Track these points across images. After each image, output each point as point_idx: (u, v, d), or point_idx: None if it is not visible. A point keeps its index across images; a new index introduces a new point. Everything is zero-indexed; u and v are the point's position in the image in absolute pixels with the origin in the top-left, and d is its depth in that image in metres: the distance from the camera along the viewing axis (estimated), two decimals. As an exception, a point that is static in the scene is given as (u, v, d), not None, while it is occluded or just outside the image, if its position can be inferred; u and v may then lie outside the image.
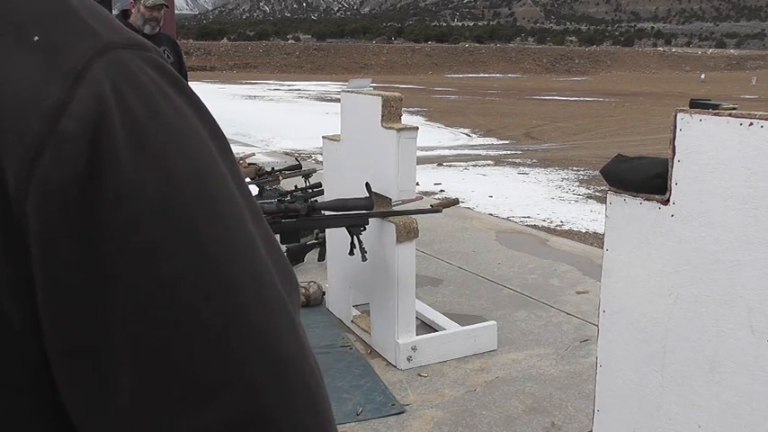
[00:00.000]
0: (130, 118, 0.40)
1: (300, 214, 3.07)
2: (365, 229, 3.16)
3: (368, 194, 3.17)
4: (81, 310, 0.38)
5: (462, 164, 12.12)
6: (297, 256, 4.39)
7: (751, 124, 1.44)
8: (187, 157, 0.41)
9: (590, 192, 9.57)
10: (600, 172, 1.96)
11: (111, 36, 0.42)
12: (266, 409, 0.42)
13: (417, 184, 3.73)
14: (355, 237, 3.14)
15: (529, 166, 12.00)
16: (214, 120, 0.46)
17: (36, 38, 0.40)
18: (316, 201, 3.36)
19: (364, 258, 3.13)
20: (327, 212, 3.18)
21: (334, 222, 3.18)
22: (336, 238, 3.61)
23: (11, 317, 0.38)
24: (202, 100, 0.47)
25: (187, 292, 0.40)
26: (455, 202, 4.00)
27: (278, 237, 3.07)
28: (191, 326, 0.40)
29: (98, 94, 0.39)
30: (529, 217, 7.93)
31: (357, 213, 3.16)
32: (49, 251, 0.38)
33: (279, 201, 3.15)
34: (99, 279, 0.38)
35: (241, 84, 43.07)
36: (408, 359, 3.16)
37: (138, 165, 0.39)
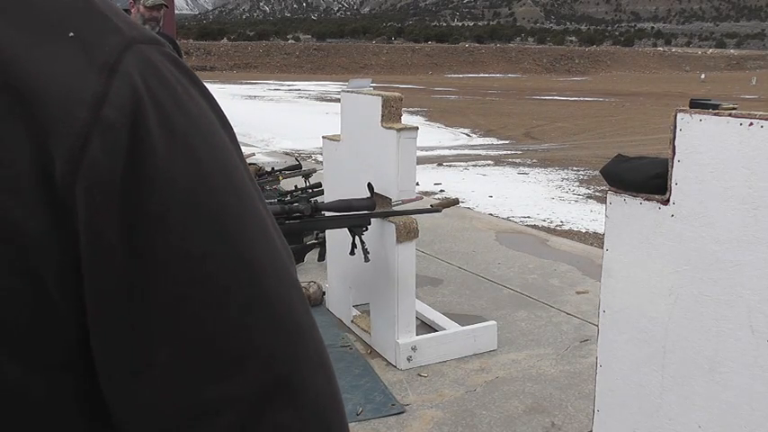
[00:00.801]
0: (160, 109, 0.42)
1: (304, 215, 3.08)
2: (367, 229, 3.16)
3: (369, 195, 3.17)
4: (124, 290, 0.41)
5: (462, 164, 12.12)
6: (297, 256, 4.39)
7: (751, 124, 1.45)
8: (209, 145, 0.44)
9: (590, 192, 9.57)
10: (600, 172, 1.96)
11: (132, 32, 0.44)
12: (287, 376, 0.45)
13: (417, 184, 3.73)
14: (357, 237, 3.14)
15: (529, 166, 12.00)
16: (223, 111, 0.49)
17: (71, 34, 0.42)
18: (317, 201, 3.36)
19: (367, 259, 3.13)
20: (329, 213, 3.18)
21: (337, 223, 3.18)
22: (336, 238, 3.61)
23: (55, 298, 0.40)
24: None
25: (215, 270, 0.43)
26: (455, 202, 3.99)
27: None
28: (219, 301, 0.43)
29: (132, 85, 0.41)
30: (529, 217, 7.93)
31: (359, 214, 3.16)
32: (97, 235, 0.40)
33: (281, 202, 3.15)
34: (139, 260, 0.41)
35: (241, 84, 43.07)
36: (408, 359, 3.16)
37: (170, 153, 0.42)
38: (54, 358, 0.41)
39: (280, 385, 0.44)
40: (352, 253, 3.17)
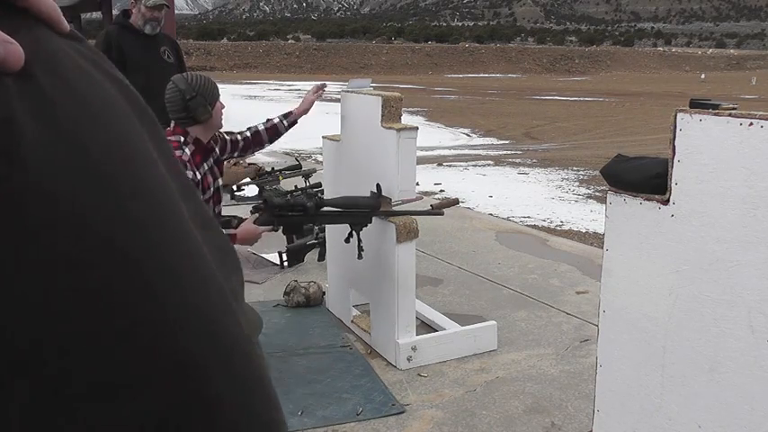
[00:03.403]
0: (38, 96, 0.36)
1: (308, 210, 3.08)
2: (367, 226, 3.17)
3: (377, 195, 3.18)
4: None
5: (462, 164, 12.12)
6: (297, 256, 4.39)
7: (751, 124, 1.45)
8: (107, 133, 0.38)
9: (590, 192, 9.57)
10: (600, 172, 1.96)
11: None
12: (210, 393, 0.39)
13: (417, 184, 3.73)
14: (355, 233, 3.15)
15: (529, 166, 12.00)
16: (138, 95, 0.43)
17: None
18: (321, 197, 3.38)
19: (360, 256, 3.14)
20: (331, 209, 3.19)
21: (339, 219, 3.19)
22: (336, 237, 3.61)
23: None
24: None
25: (106, 281, 0.36)
26: (455, 202, 3.99)
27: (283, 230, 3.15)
28: (112, 316, 0.36)
29: None
30: (529, 217, 7.93)
31: (361, 211, 3.16)
32: None
33: (287, 195, 3.16)
34: (10, 281, 0.34)
35: (241, 84, 43.02)
36: (408, 359, 3.16)
37: (49, 147, 0.35)
38: None
39: (203, 402, 0.39)
40: (346, 240, 3.19)
